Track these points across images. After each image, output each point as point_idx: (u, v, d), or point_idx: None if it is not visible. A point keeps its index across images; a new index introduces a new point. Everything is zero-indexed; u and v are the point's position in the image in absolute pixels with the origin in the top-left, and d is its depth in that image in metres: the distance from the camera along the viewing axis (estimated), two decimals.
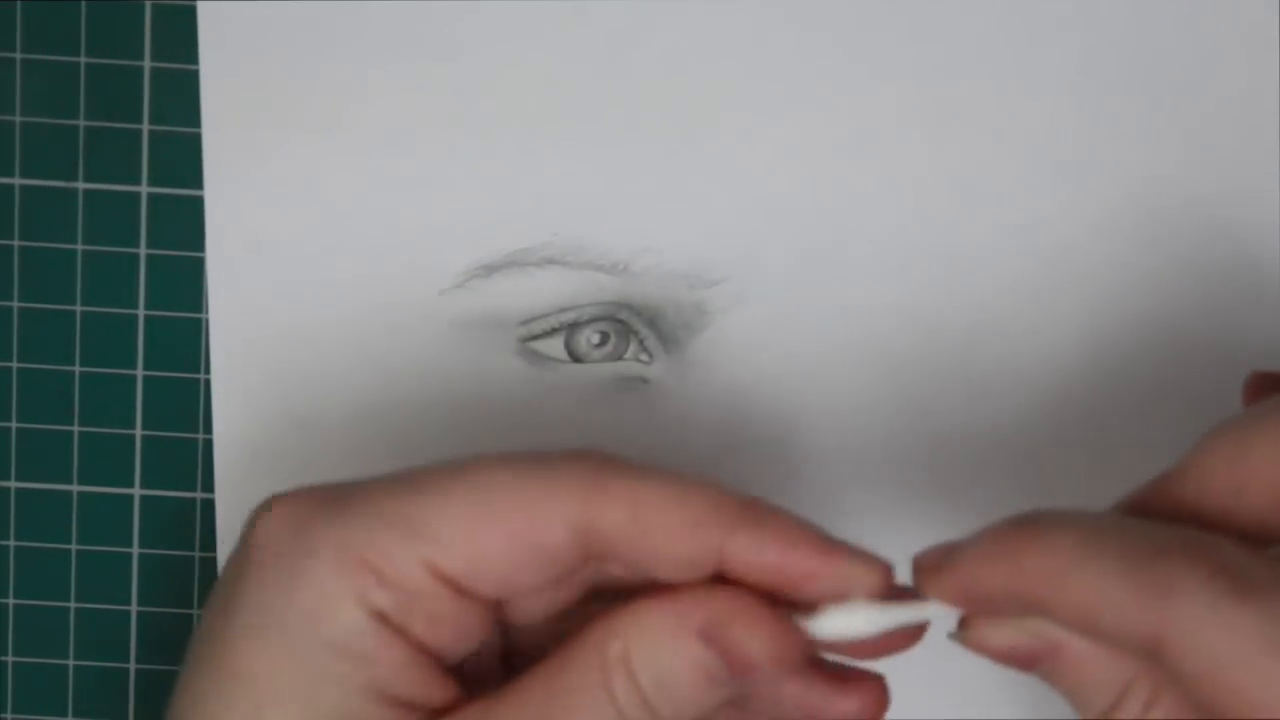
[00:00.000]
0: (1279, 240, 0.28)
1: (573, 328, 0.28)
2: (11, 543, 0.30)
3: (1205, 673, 0.19)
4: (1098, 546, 0.20)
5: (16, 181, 0.29)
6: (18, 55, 0.28)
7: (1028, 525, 0.21)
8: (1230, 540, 0.20)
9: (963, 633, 0.22)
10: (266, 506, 0.22)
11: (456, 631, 0.22)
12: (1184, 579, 0.19)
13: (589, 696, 0.21)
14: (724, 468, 0.29)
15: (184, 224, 0.29)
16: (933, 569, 0.22)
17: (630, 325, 0.28)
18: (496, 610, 0.22)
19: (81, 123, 0.28)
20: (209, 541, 0.30)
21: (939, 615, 0.22)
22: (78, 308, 0.29)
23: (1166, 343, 0.28)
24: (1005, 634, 0.21)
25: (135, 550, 0.30)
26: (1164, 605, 0.19)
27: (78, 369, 0.29)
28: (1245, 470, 0.20)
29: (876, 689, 0.23)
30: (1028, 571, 0.20)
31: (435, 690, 0.21)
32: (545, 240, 0.28)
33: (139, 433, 0.30)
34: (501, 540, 0.21)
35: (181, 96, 0.28)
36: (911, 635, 0.22)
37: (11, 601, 0.30)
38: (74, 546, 0.30)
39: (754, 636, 0.21)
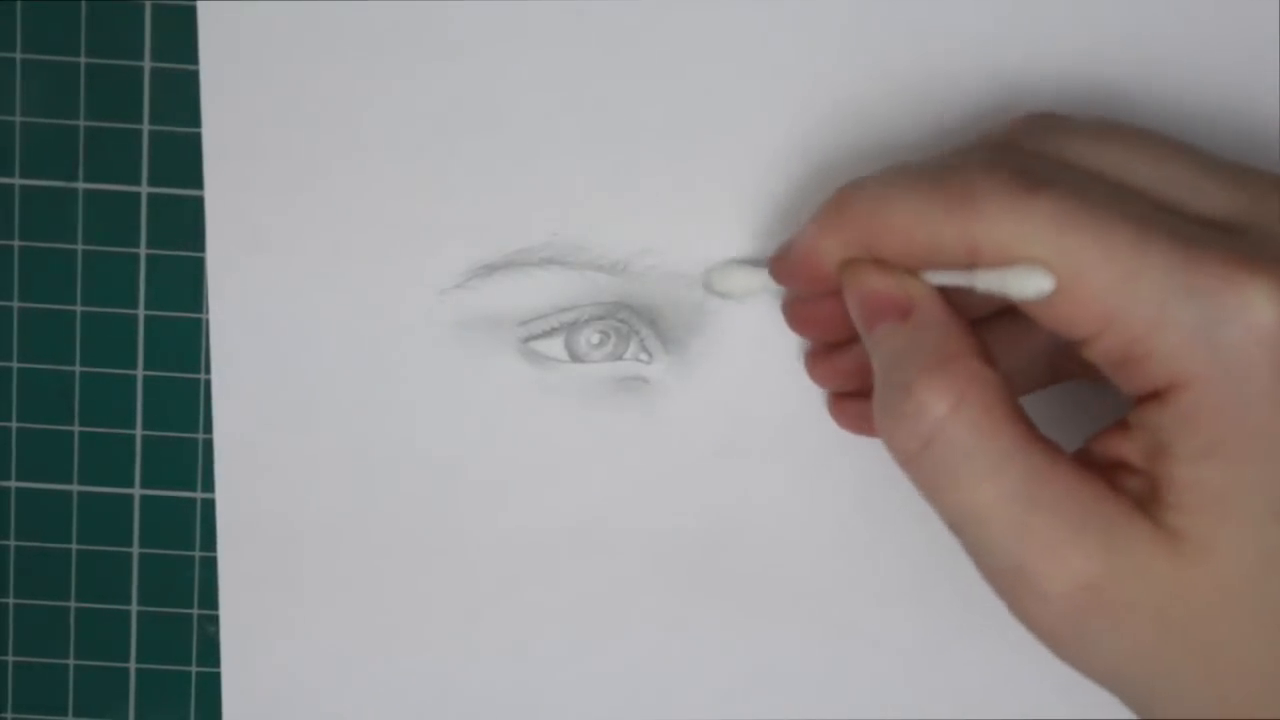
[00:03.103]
0: None
1: (573, 328, 0.28)
2: (11, 543, 0.30)
3: (1010, 258, 0.21)
4: (905, 178, 0.22)
5: (16, 181, 0.29)
6: (18, 55, 0.28)
7: (840, 190, 0.23)
8: (1009, 148, 0.23)
9: (845, 271, 0.23)
10: None
11: None
12: (983, 184, 0.21)
13: None
14: (724, 468, 0.29)
15: (184, 224, 0.29)
16: (780, 258, 0.25)
17: (630, 325, 0.28)
18: None
19: (81, 123, 0.28)
20: (209, 541, 0.30)
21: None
22: (78, 308, 0.29)
23: None
24: (882, 278, 0.23)
25: (135, 550, 0.30)
26: (970, 209, 0.21)
27: (78, 369, 0.29)
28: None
29: None
30: (854, 217, 0.23)
31: None
32: (545, 240, 0.28)
33: (139, 433, 0.30)
34: None
35: (181, 96, 0.28)
36: None
37: (11, 601, 0.30)
38: (74, 546, 0.30)
39: None
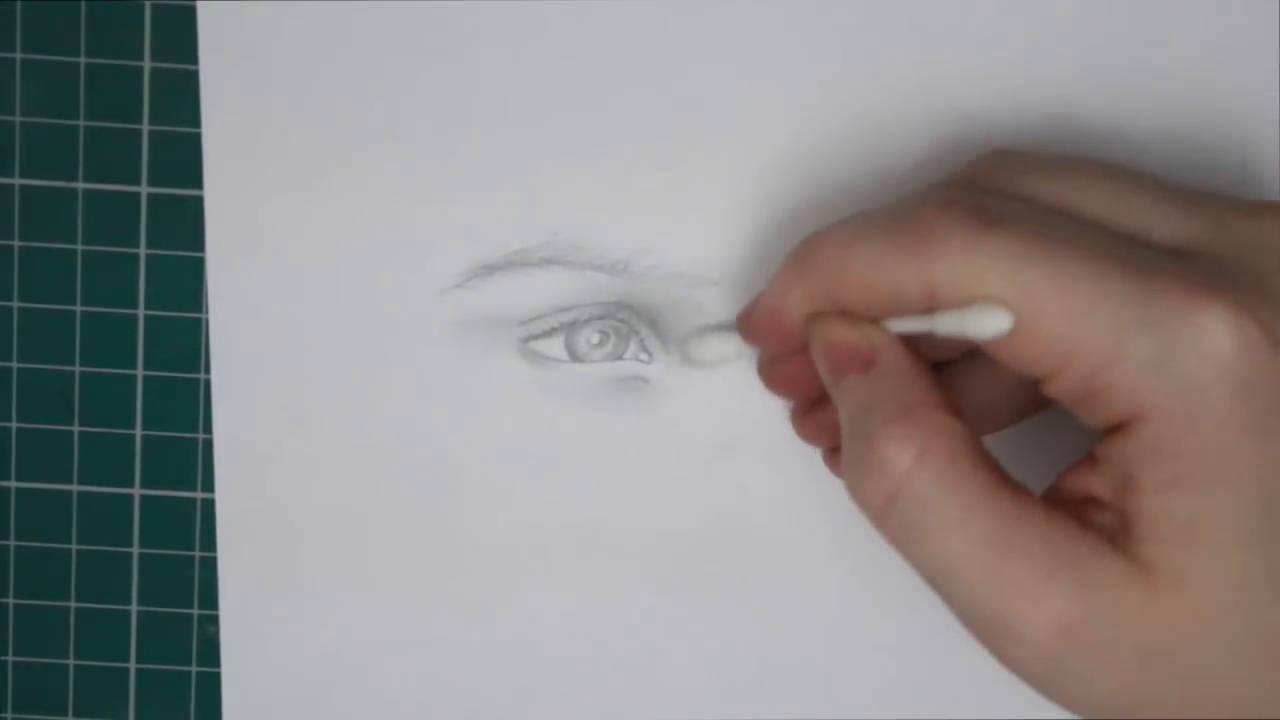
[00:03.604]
0: None
1: (573, 328, 0.28)
2: (11, 543, 0.30)
3: (968, 297, 0.21)
4: (862, 226, 0.22)
5: (16, 181, 0.29)
6: (18, 55, 0.28)
7: (806, 238, 0.23)
8: (967, 187, 0.22)
9: (810, 322, 0.24)
10: None
11: None
12: (939, 224, 0.21)
13: None
14: (723, 468, 0.29)
15: (184, 224, 0.29)
16: (747, 316, 0.25)
17: (630, 325, 0.28)
18: None
19: (81, 123, 0.28)
20: (209, 541, 0.30)
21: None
22: (78, 308, 0.29)
23: None
24: (845, 330, 0.23)
25: (135, 550, 0.30)
26: (927, 250, 0.21)
27: (78, 369, 0.29)
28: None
29: None
30: (815, 268, 0.23)
31: None
32: (545, 240, 0.28)
33: (139, 433, 0.30)
34: None
35: (181, 96, 0.28)
36: None
37: (11, 601, 0.30)
38: (74, 546, 0.30)
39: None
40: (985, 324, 0.21)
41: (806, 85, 0.27)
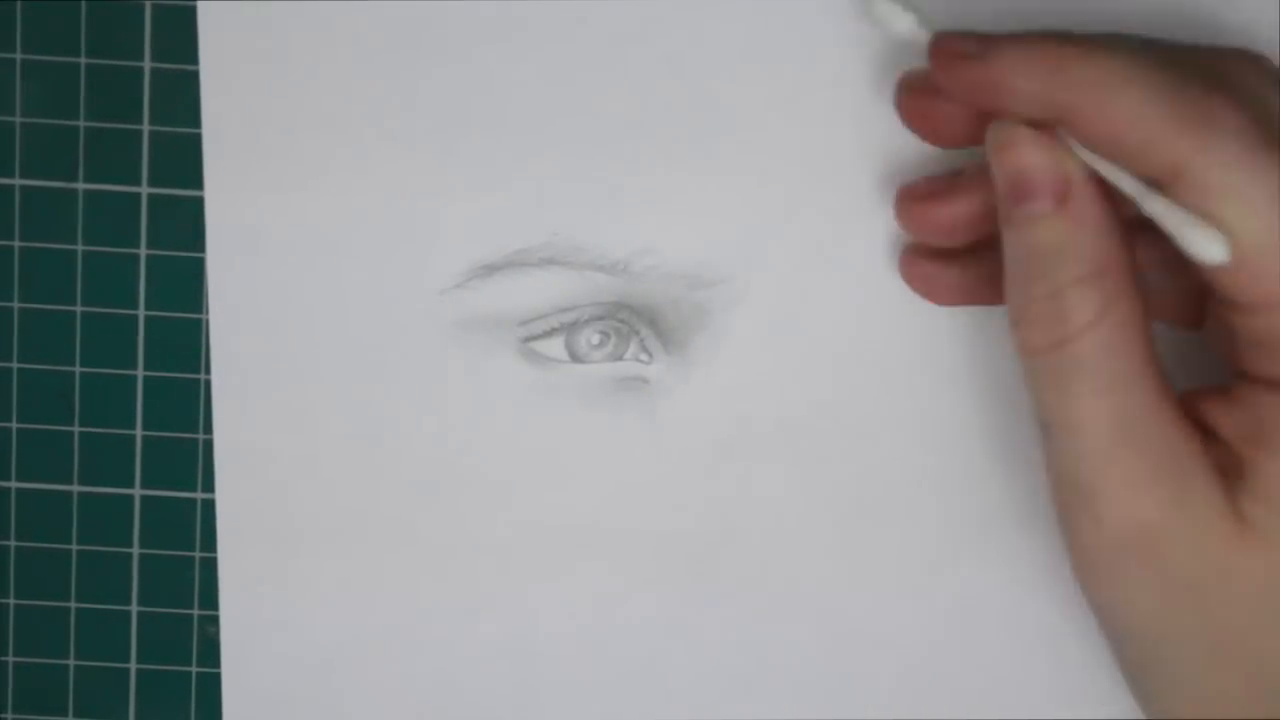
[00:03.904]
0: None
1: (573, 328, 0.28)
2: (11, 543, 0.30)
3: (1215, 204, 0.20)
4: (1147, 69, 0.20)
5: (16, 182, 0.29)
6: (18, 55, 0.28)
7: (1076, 39, 0.21)
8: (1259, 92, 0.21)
9: (996, 129, 0.22)
10: None
11: None
12: (1226, 117, 0.20)
13: None
14: (724, 468, 0.29)
15: (184, 224, 0.29)
16: (963, 55, 0.22)
17: (630, 325, 0.28)
18: None
19: (81, 123, 0.28)
20: (209, 541, 0.30)
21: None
22: (78, 308, 0.29)
23: (1167, 342, 0.28)
24: (1040, 153, 0.21)
25: (135, 550, 0.30)
26: (1199, 135, 0.20)
27: (78, 369, 0.29)
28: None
29: None
30: (1073, 79, 0.21)
31: None
32: (545, 240, 0.28)
33: (139, 433, 0.30)
34: None
35: (181, 96, 0.28)
36: None
37: (11, 601, 0.30)
38: (74, 546, 0.30)
39: None
40: (1203, 246, 0.20)
41: (806, 84, 0.27)
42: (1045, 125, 0.21)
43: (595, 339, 0.28)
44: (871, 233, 0.28)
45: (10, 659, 0.31)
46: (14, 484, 0.30)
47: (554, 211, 0.28)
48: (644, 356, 0.28)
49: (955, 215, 0.25)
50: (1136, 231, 0.22)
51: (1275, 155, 0.20)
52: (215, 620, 0.30)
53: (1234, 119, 0.20)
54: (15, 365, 0.29)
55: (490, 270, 0.28)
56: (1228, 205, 0.20)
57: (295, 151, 0.28)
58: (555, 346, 0.28)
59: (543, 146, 0.28)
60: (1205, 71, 0.21)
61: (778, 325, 0.28)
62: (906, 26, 0.23)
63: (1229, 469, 0.21)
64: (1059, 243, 0.21)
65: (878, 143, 0.27)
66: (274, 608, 0.30)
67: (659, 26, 0.27)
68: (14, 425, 0.30)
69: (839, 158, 0.28)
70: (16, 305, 0.29)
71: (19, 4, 0.28)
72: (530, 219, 0.28)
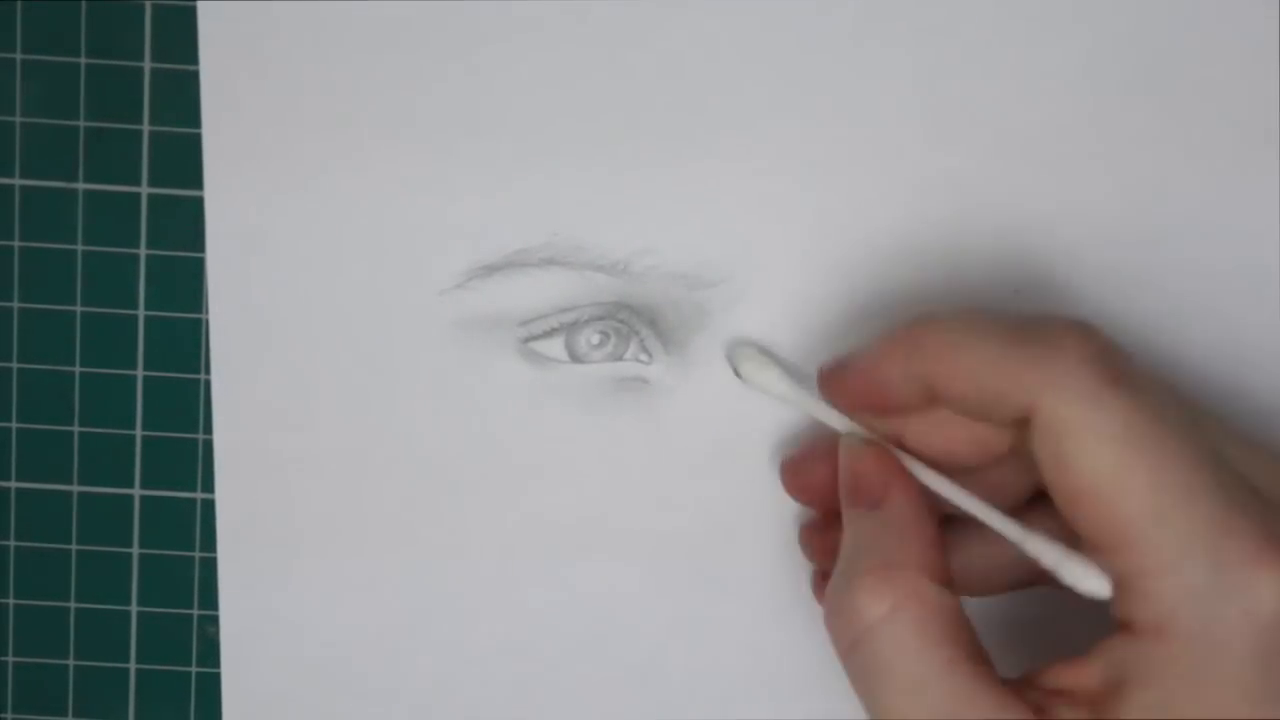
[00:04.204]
0: (1279, 241, 0.28)
1: (573, 328, 0.28)
2: (11, 543, 0.30)
3: (1065, 445, 0.20)
4: (988, 324, 0.22)
5: (16, 182, 0.29)
6: (18, 55, 0.28)
7: (917, 320, 0.23)
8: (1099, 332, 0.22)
9: (842, 441, 0.24)
10: None
11: None
12: (1068, 355, 0.21)
13: None
14: (723, 468, 0.29)
15: (184, 224, 0.29)
16: (837, 370, 0.25)
17: (630, 325, 0.28)
18: None
19: (81, 123, 0.28)
20: (209, 541, 0.30)
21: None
22: (78, 308, 0.29)
23: (1167, 343, 0.28)
24: (869, 461, 0.24)
25: (135, 550, 0.30)
26: (1047, 374, 0.21)
27: (78, 369, 0.29)
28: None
29: None
30: (920, 355, 0.22)
31: None
32: (545, 240, 0.28)
33: (139, 433, 0.30)
34: None
35: (181, 96, 0.28)
36: None
37: (11, 601, 0.30)
38: (74, 546, 0.30)
39: None
40: (1083, 580, 0.21)
41: (807, 84, 0.27)
42: (922, 410, 0.23)
43: (595, 339, 0.28)
44: (871, 232, 0.28)
45: (10, 659, 0.31)
46: (14, 484, 0.30)
47: (554, 211, 0.28)
48: (644, 357, 0.28)
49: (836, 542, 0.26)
50: (972, 525, 0.23)
51: (1119, 390, 0.20)
52: (215, 620, 0.30)
53: (1077, 355, 0.21)
54: (15, 365, 0.29)
55: (490, 270, 0.28)
56: (1076, 445, 0.20)
57: (295, 151, 0.28)
58: (555, 347, 0.28)
59: (543, 147, 0.28)
60: (1052, 318, 0.22)
61: (778, 325, 0.28)
62: (774, 380, 0.27)
63: None
64: (864, 539, 0.23)
65: (877, 143, 0.27)
66: (274, 608, 0.29)
67: (659, 26, 0.27)
68: (14, 425, 0.30)
69: (839, 158, 0.28)
70: (16, 305, 0.29)
71: (19, 4, 0.28)
72: (530, 219, 0.28)
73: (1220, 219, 0.28)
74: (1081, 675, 0.21)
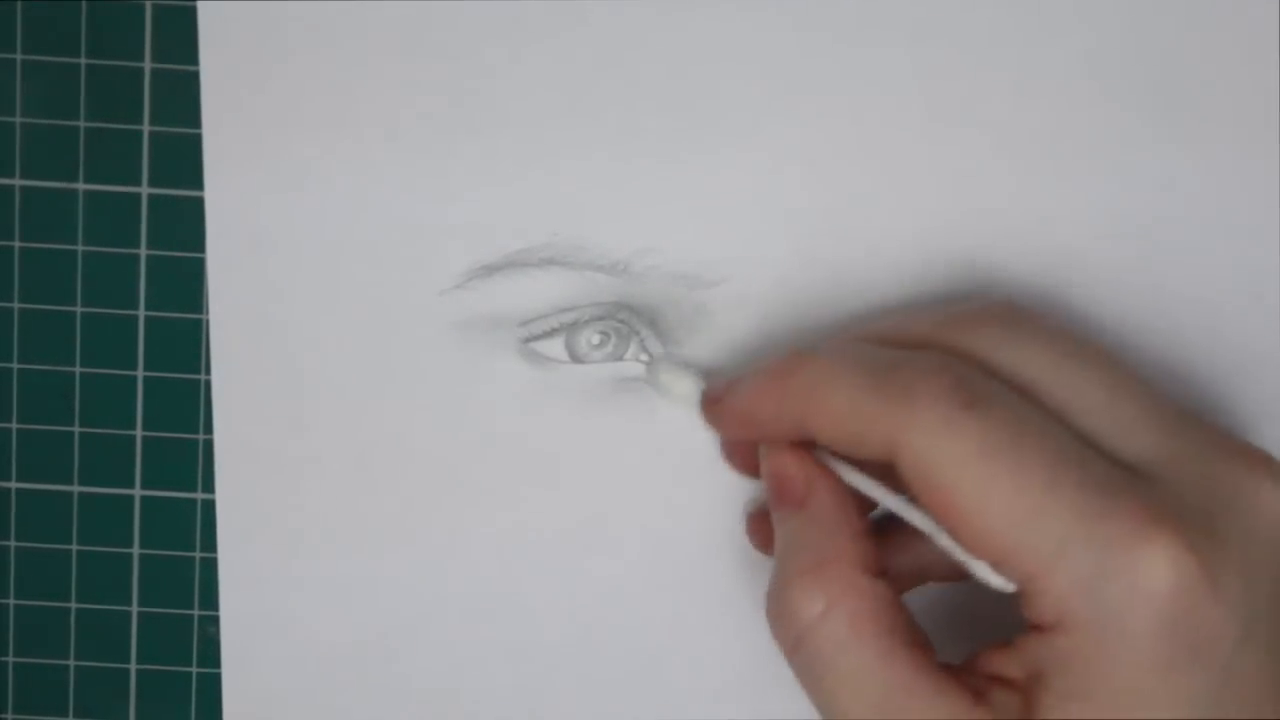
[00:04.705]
0: (1279, 241, 0.28)
1: (573, 328, 0.28)
2: (11, 543, 0.30)
3: (929, 469, 0.21)
4: (851, 364, 0.23)
5: (16, 182, 0.29)
6: (18, 55, 0.28)
7: (795, 353, 0.24)
8: (961, 358, 0.23)
9: (765, 447, 0.25)
10: None
11: None
12: (920, 390, 0.21)
13: None
14: (723, 468, 0.29)
15: (184, 224, 0.29)
16: (716, 399, 0.26)
17: (630, 325, 0.28)
18: None
19: (81, 123, 0.29)
20: (209, 541, 0.30)
21: None
22: (78, 308, 0.29)
23: (1166, 343, 0.28)
24: (788, 461, 0.24)
25: (135, 550, 0.30)
26: (903, 410, 0.21)
27: (78, 369, 0.29)
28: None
29: None
30: (790, 392, 0.23)
31: None
32: (545, 240, 0.28)
33: (139, 433, 0.30)
34: None
35: (181, 96, 0.28)
36: None
37: (11, 601, 0.30)
38: (74, 546, 0.30)
39: None
40: (988, 575, 0.21)
41: (806, 84, 0.27)
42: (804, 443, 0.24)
43: (595, 339, 0.28)
44: (871, 233, 0.28)
45: (10, 659, 0.31)
46: (14, 484, 0.30)
47: (554, 211, 0.28)
48: (644, 357, 0.28)
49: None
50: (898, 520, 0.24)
51: (972, 413, 0.21)
52: (215, 620, 0.30)
53: (929, 387, 0.21)
54: (15, 365, 0.29)
55: (490, 270, 0.28)
56: (937, 469, 0.21)
57: (295, 151, 0.28)
58: (555, 347, 0.28)
59: (543, 146, 0.28)
60: (922, 340, 0.23)
61: (777, 325, 0.28)
62: (689, 389, 0.27)
63: (1023, 713, 0.21)
64: (793, 539, 0.23)
65: (877, 142, 0.27)
66: (274, 608, 0.30)
67: (659, 26, 0.27)
68: (14, 425, 0.30)
69: (839, 158, 0.28)
70: (16, 305, 0.29)
71: (19, 4, 0.28)
72: (530, 219, 0.28)
73: (1220, 219, 0.28)
74: (1009, 665, 0.22)
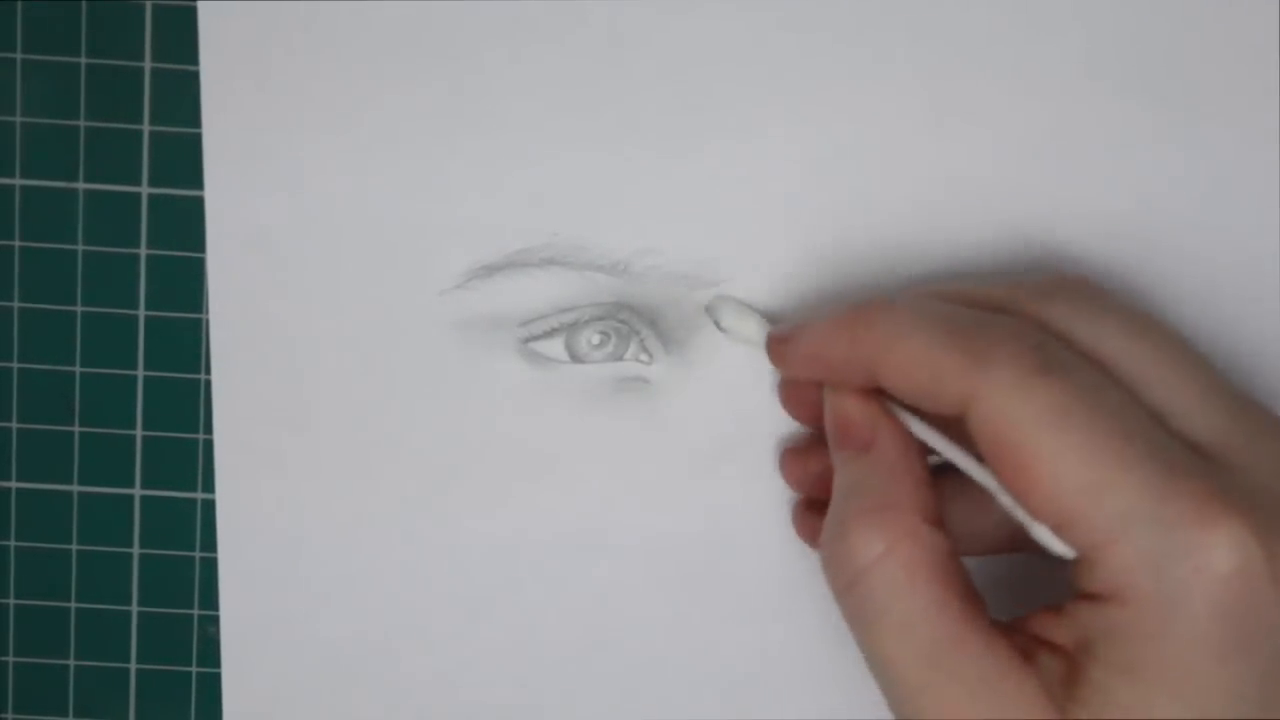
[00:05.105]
0: (1279, 240, 0.28)
1: (573, 328, 0.28)
2: (11, 543, 0.30)
3: (1002, 429, 0.21)
4: (931, 318, 0.23)
5: (17, 182, 0.29)
6: (18, 55, 0.28)
7: (874, 301, 0.24)
8: (1038, 326, 0.23)
9: (830, 391, 0.25)
10: None
11: None
12: (1000, 350, 0.22)
13: None
14: (724, 468, 0.29)
15: (184, 224, 0.29)
16: (784, 338, 0.26)
17: (631, 326, 0.28)
18: None
19: (81, 123, 0.29)
20: (209, 541, 0.30)
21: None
22: (78, 308, 0.29)
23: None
24: (854, 405, 0.24)
25: (135, 550, 0.30)
26: (980, 369, 0.21)
27: (78, 369, 0.29)
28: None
29: None
30: (865, 338, 0.23)
31: None
32: (546, 240, 0.28)
33: (139, 433, 0.30)
34: None
35: (181, 96, 0.28)
36: None
37: (11, 601, 0.30)
38: (74, 546, 0.30)
39: None
40: (1049, 539, 0.21)
41: (807, 84, 0.27)
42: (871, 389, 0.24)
43: (595, 339, 0.28)
44: (871, 232, 0.28)
45: (10, 659, 0.31)
46: (14, 484, 0.30)
47: (554, 211, 0.28)
48: (644, 357, 0.28)
49: (818, 468, 0.27)
50: (962, 481, 0.24)
51: (1049, 378, 0.21)
52: (215, 620, 0.30)
53: (1009, 348, 0.22)
54: (15, 365, 0.29)
55: (490, 270, 0.28)
56: (1010, 429, 0.21)
57: (295, 151, 0.28)
58: (555, 347, 0.28)
59: (543, 147, 0.28)
60: (998, 305, 0.24)
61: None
62: (754, 330, 0.27)
63: (1063, 678, 0.21)
64: (856, 481, 0.23)
65: (878, 142, 0.28)
66: (274, 608, 0.30)
67: (659, 26, 0.27)
68: (14, 425, 0.30)
69: (839, 157, 0.28)
70: (16, 305, 0.29)
71: (19, 4, 0.28)
72: (531, 219, 0.28)
73: (1220, 219, 0.28)
74: (1058, 630, 0.22)
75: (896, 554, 0.22)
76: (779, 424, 0.28)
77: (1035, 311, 0.23)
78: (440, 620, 0.30)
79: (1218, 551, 0.20)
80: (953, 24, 0.27)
